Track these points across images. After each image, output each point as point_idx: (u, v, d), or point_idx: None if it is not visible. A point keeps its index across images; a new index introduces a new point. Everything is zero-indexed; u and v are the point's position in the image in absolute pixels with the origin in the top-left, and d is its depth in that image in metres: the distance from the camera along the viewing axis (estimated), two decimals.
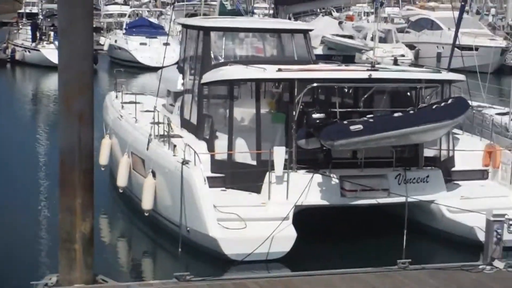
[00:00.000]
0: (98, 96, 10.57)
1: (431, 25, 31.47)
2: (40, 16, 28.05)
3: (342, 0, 16.48)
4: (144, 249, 9.76)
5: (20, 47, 27.60)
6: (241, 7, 24.91)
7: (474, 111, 11.64)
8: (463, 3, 13.85)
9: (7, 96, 21.55)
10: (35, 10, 29.31)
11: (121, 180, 10.52)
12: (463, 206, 9.39)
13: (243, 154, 9.63)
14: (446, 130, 9.33)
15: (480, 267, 7.84)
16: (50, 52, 22.54)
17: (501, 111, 14.13)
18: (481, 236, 8.30)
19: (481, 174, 10.62)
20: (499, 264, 7.80)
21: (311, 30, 12.77)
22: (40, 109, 20.37)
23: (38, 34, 26.64)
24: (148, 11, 34.77)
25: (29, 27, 28.15)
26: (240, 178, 9.48)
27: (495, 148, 10.41)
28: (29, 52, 26.95)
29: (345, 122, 8.90)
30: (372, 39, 28.77)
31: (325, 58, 14.96)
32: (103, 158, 11.40)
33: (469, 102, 10.43)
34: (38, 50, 26.00)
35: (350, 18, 35.64)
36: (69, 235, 6.93)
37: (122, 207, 11.20)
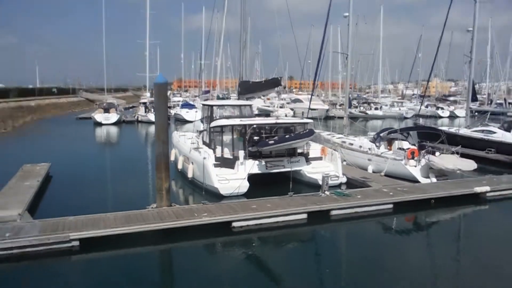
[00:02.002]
0: (170, 133, 20.11)
1: (300, 101, 55.31)
2: (147, 102, 50.05)
3: (266, 92, 27.95)
4: (190, 192, 17.18)
5: (140, 115, 49.53)
6: (225, 95, 45.34)
7: (316, 134, 19.76)
8: (312, 95, 27.75)
9: (134, 133, 42.81)
10: (145, 100, 50.44)
11: (180, 165, 19.03)
12: (313, 171, 17.55)
13: (227, 154, 17.27)
14: (305, 142, 17.31)
15: (320, 194, 14.80)
16: (151, 116, 40.66)
17: (327, 133, 25.12)
18: (320, 182, 15.29)
19: (320, 158, 18.59)
20: (327, 193, 14.82)
21: (252, 104, 21.81)
22: (148, 138, 36.98)
23: (146, 109, 48.84)
24: (188, 100, 64.91)
25: (143, 107, 50.26)
26: (226, 163, 16.83)
27: (325, 148, 19.07)
28: (143, 117, 48.49)
29: (266, 140, 16.56)
30: (276, 106, 48.34)
31: (258, 115, 22.75)
32: (172, 157, 19.61)
33: (315, 130, 18.43)
34: (147, 116, 47.03)
35: (268, 99, 58.09)
36: (160, 188, 13.39)
37: (181, 177, 19.19)
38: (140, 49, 54.12)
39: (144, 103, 51.83)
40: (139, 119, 49.73)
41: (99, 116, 47.35)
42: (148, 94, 55.30)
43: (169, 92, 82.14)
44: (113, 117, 47.46)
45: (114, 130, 43.62)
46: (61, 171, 20.38)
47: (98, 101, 65.12)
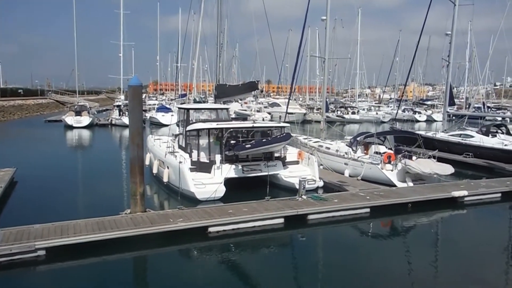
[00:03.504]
0: (145, 137, 19.29)
1: (278, 105, 55.19)
2: (122, 105, 49.57)
3: (243, 96, 27.89)
4: (165, 197, 16.94)
5: (114, 118, 48.69)
6: (202, 98, 46.08)
7: (293, 138, 20.71)
8: (289, 99, 27.73)
9: (108, 136, 41.54)
10: (119, 102, 50.60)
11: (155, 170, 18.65)
12: (290, 175, 17.47)
13: (203, 158, 17.03)
14: (282, 146, 17.10)
15: (297, 198, 14.74)
16: (126, 119, 40.78)
17: (304, 137, 25.01)
18: (297, 186, 15.17)
19: (297, 162, 18.57)
20: (304, 197, 14.76)
21: (229, 108, 22.13)
22: (122, 142, 36.61)
23: (121, 112, 47.89)
24: (164, 103, 64.14)
25: (117, 110, 49.68)
26: (202, 167, 16.58)
27: (302, 152, 19.18)
28: (117, 120, 47.64)
29: (243, 144, 16.34)
30: (253, 110, 48.50)
31: (235, 119, 22.55)
32: (147, 161, 19.20)
33: (292, 134, 18.84)
34: (121, 119, 46.10)
35: (245, 103, 58.39)
36: (134, 193, 13.06)
37: (156, 182, 18.90)
38: (114, 50, 53.53)
39: (118, 106, 51.25)
40: (113, 122, 49.07)
41: (70, 119, 46.25)
42: (122, 97, 54.58)
43: (144, 95, 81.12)
44: (85, 120, 46.49)
45: (86, 133, 42.61)
46: (27, 177, 19.64)
47: (69, 104, 63.65)
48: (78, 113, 47.56)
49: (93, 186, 19.33)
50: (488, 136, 26.38)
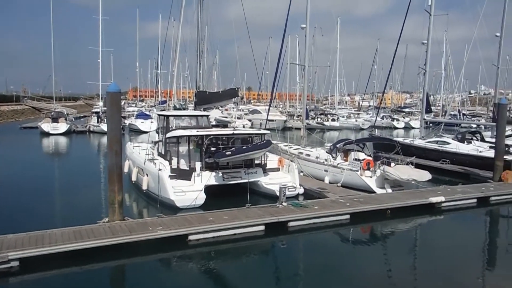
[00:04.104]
0: (123, 144, 19.21)
1: (258, 112, 54.27)
2: (100, 112, 48.63)
3: (223, 103, 27.85)
4: (144, 205, 16.65)
5: (92, 125, 47.95)
6: (182, 105, 45.77)
7: (274, 145, 20.75)
8: (270, 106, 27.81)
9: (85, 144, 40.82)
10: (98, 109, 49.94)
11: (134, 177, 18.23)
12: (270, 182, 17.50)
13: (183, 165, 16.92)
14: (262, 153, 17.10)
15: (277, 205, 14.70)
16: (104, 126, 38.32)
17: (285, 144, 25.01)
18: (277, 193, 15.15)
19: (277, 169, 18.63)
20: (284, 204, 14.71)
21: (209, 115, 21.83)
22: (100, 149, 35.82)
23: (99, 119, 47.27)
24: (144, 109, 64.35)
25: (96, 116, 48.82)
26: (182, 175, 16.45)
27: (282, 159, 19.21)
28: (95, 127, 47.04)
29: (224, 151, 16.29)
30: (234, 117, 48.75)
31: (216, 126, 22.22)
32: (125, 169, 18.89)
33: (272, 141, 18.94)
34: (99, 126, 45.71)
35: (226, 110, 58.77)
36: (112, 201, 12.74)
37: (135, 189, 18.52)
38: (93, 56, 52.70)
39: (97, 113, 50.52)
40: (91, 129, 48.32)
41: (46, 126, 45.20)
42: (101, 103, 53.79)
43: (123, 101, 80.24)
44: (62, 126, 45.53)
45: (63, 140, 41.73)
46: (0, 185, 19.20)
47: (46, 110, 62.36)
48: (54, 119, 46.56)
49: (70, 194, 18.90)
50: (463, 142, 26.95)
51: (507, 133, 23.60)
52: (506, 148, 22.11)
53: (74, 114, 67.32)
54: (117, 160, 13.03)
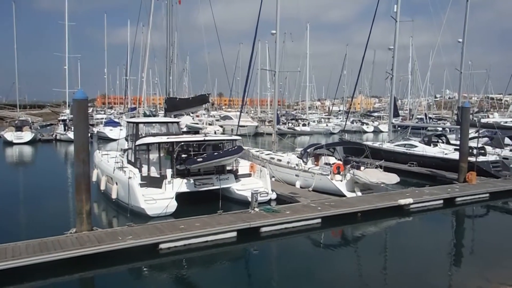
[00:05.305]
0: (91, 152, 19.20)
1: (229, 118, 55.05)
2: (67, 119, 46.99)
3: (194, 109, 27.66)
4: (114, 214, 16.32)
5: (59, 133, 46.81)
6: (153, 112, 45.12)
7: (245, 150, 20.19)
8: (241, 112, 27.85)
9: (52, 153, 39.96)
10: (64, 117, 50.62)
11: (102, 186, 17.98)
12: (242, 188, 17.52)
13: (154, 172, 16.82)
14: (233, 159, 17.04)
15: (249, 211, 14.46)
16: (71, 134, 37.03)
17: (256, 150, 24.94)
18: (249, 199, 15.08)
19: (249, 175, 18.66)
20: (256, 210, 14.50)
21: (180, 121, 21.62)
22: (67, 158, 34.97)
23: (66, 127, 45.86)
24: (113, 117, 61.62)
25: (62, 124, 47.64)
26: (152, 182, 16.34)
27: (254, 164, 19.25)
28: (62, 135, 45.85)
29: (195, 157, 16.25)
30: (205, 123, 48.71)
31: (187, 132, 22.20)
32: (94, 178, 18.63)
33: (244, 147, 18.71)
34: (66, 134, 44.23)
35: (197, 116, 58.23)
36: (80, 211, 12.39)
37: (104, 199, 18.19)
38: (59, 62, 51.32)
39: (64, 121, 49.14)
40: (58, 137, 47.00)
41: (9, 135, 43.39)
42: (68, 111, 52.47)
43: (91, 108, 78.54)
44: (26, 135, 43.72)
45: (28, 149, 40.35)
46: None
47: (9, 119, 60.33)
48: (19, 128, 44.72)
49: (35, 205, 18.27)
50: (430, 145, 27.66)
51: (471, 135, 24.33)
52: (470, 150, 22.70)
53: (40, 122, 65.42)
54: (84, 168, 12.73)
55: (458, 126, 25.98)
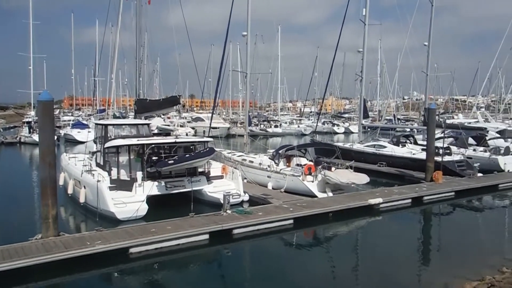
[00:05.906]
0: (58, 155, 18.67)
1: (201, 119, 55.14)
2: (32, 121, 45.84)
3: (164, 111, 27.26)
4: (82, 219, 16.01)
5: (23, 136, 45.54)
6: (122, 114, 44.27)
7: (217, 152, 20.37)
8: (212, 113, 27.87)
9: (16, 156, 39.07)
10: (29, 119, 48.71)
11: (70, 190, 17.53)
12: (214, 190, 17.53)
13: (123, 175, 16.61)
14: (205, 161, 17.04)
15: (222, 213, 14.65)
16: (37, 137, 35.49)
17: (228, 151, 24.96)
18: (222, 201, 15.12)
19: (221, 177, 18.61)
20: (228, 212, 14.55)
21: (150, 123, 21.10)
22: (33, 161, 33.67)
23: (31, 130, 44.84)
24: (81, 118, 61.54)
25: (27, 127, 46.73)
26: (122, 185, 16.15)
27: (226, 166, 19.21)
28: (27, 138, 44.63)
29: (166, 160, 16.12)
30: (176, 125, 48.79)
31: (158, 134, 21.56)
32: (61, 181, 18.21)
33: (215, 148, 18.84)
34: (31, 137, 42.86)
35: (169, 117, 58.61)
36: (46, 216, 12.12)
37: (71, 203, 17.70)
38: (23, 62, 49.55)
39: (28, 123, 47.83)
40: (22, 140, 45.51)
41: None
42: (33, 113, 50.75)
43: (58, 110, 76.36)
44: None
45: None
46: None
47: None
48: None
49: None
50: (398, 146, 28.42)
51: (437, 136, 25.02)
52: (436, 150, 23.32)
53: (3, 125, 63.16)
54: (50, 172, 12.37)
55: (425, 127, 26.64)
